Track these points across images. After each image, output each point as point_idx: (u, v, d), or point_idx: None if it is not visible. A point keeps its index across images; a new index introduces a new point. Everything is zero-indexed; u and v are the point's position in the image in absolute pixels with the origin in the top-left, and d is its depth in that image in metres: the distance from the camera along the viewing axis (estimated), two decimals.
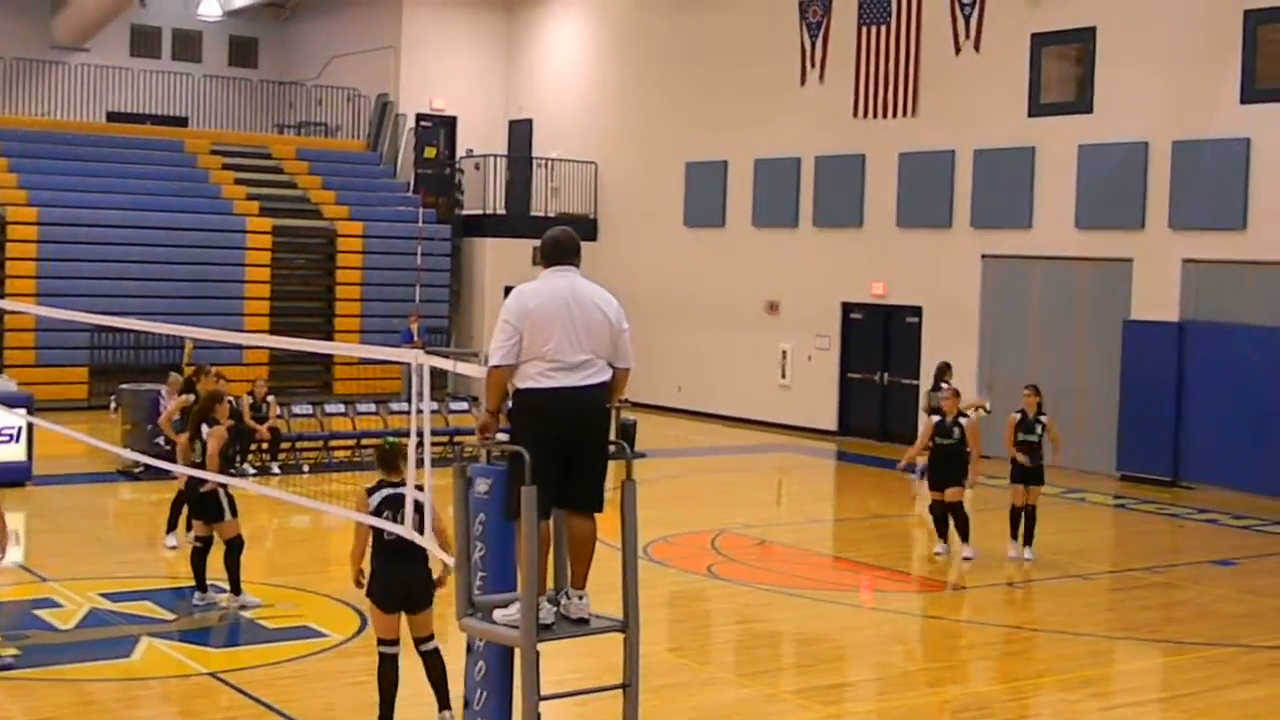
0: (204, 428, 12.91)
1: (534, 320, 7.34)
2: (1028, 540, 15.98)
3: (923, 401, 22.29)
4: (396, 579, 9.25)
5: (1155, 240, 22.25)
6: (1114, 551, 18.03)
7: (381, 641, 9.55)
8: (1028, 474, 15.99)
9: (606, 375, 7.47)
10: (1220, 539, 18.27)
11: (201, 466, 12.70)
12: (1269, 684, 11.66)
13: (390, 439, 9.75)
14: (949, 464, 15.93)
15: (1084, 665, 12.25)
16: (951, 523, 16.02)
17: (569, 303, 7.40)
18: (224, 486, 12.67)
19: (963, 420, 15.99)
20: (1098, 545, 18.13)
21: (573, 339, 7.36)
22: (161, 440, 17.62)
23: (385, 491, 9.30)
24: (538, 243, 7.83)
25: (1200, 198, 21.64)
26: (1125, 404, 22.29)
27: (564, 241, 7.63)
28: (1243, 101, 21.25)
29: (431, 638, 9.46)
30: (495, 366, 7.37)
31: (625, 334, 7.61)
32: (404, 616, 9.46)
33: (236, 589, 12.82)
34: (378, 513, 9.20)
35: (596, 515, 7.52)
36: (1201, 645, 12.82)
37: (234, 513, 12.87)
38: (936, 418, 16.25)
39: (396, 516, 8.95)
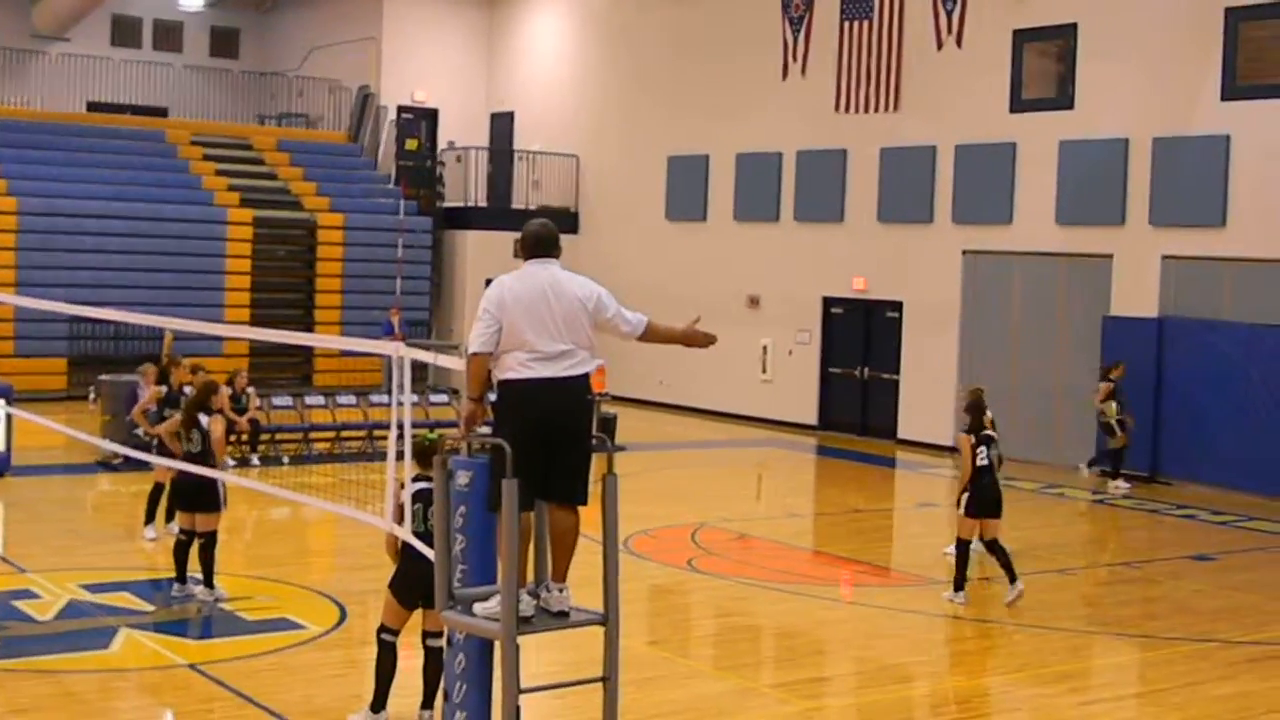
0: (202, 417, 12.83)
1: (513, 310, 7.35)
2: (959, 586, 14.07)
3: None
4: (421, 574, 8.79)
5: (1135, 236, 22.31)
6: (1092, 546, 18.07)
7: (385, 629, 9.51)
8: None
9: (589, 366, 7.46)
10: (1198, 534, 18.34)
11: (199, 457, 12.65)
12: (1246, 679, 11.71)
13: (429, 433, 9.67)
14: None
15: (1062, 660, 12.29)
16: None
17: (547, 294, 7.41)
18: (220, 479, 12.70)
19: None
20: (1076, 540, 18.18)
21: (551, 330, 7.36)
22: (140, 431, 17.51)
23: (420, 485, 9.17)
24: (518, 235, 7.81)
25: (1180, 194, 21.70)
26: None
27: (543, 234, 7.64)
28: (1223, 98, 21.31)
29: (442, 634, 9.36)
30: (475, 353, 7.38)
31: (616, 313, 7.58)
32: (421, 610, 9.40)
33: (210, 582, 12.79)
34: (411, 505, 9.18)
35: (580, 508, 7.52)
36: (1179, 640, 12.87)
37: (225, 504, 12.91)
38: None
39: (428, 511, 8.89)
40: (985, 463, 13.69)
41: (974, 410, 13.96)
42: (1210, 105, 21.44)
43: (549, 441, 7.31)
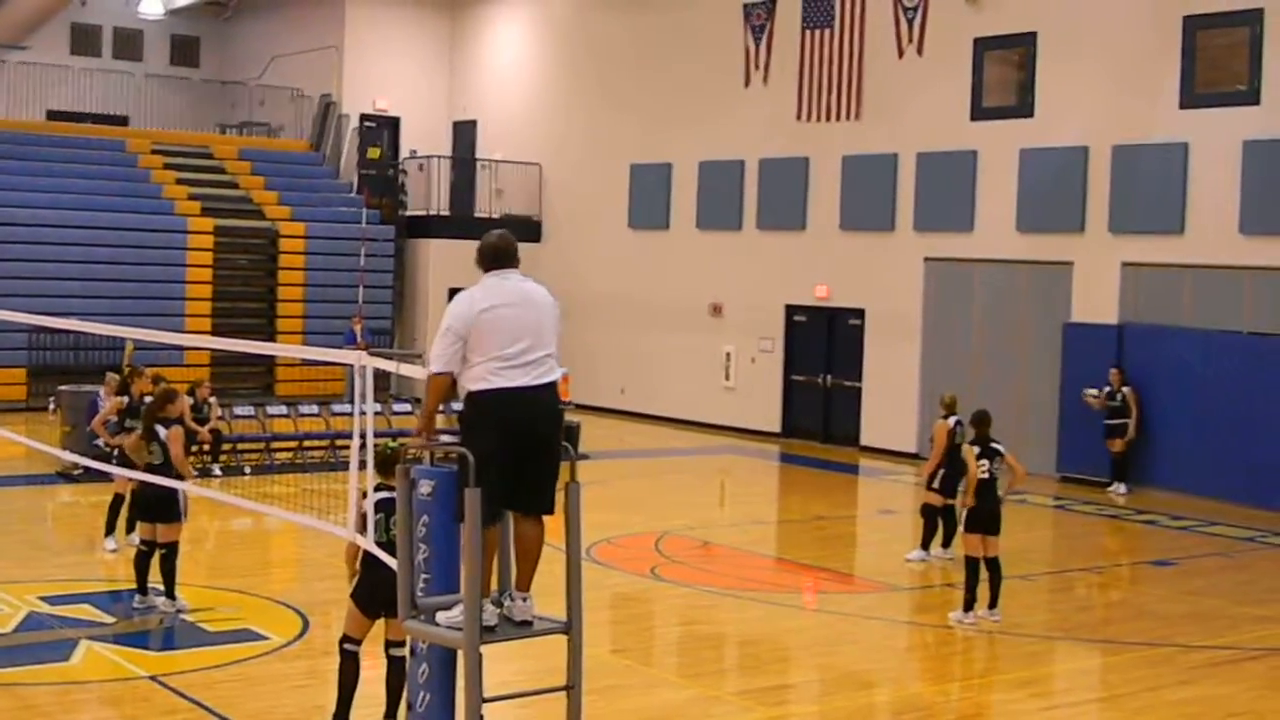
0: (160, 429, 12.74)
1: (485, 322, 7.34)
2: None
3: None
4: (383, 583, 8.75)
5: (1095, 244, 22.44)
6: (1054, 552, 18.15)
7: (347, 639, 9.49)
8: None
9: (557, 375, 7.49)
10: (1159, 539, 18.45)
11: (159, 468, 12.56)
12: (1206, 684, 11.78)
13: (390, 442, 9.64)
14: None
15: (1024, 665, 12.35)
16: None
17: (517, 303, 7.43)
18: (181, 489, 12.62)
19: None
20: (1038, 546, 18.23)
21: (523, 339, 7.37)
22: (100, 442, 17.36)
23: (382, 494, 9.15)
24: (477, 246, 7.79)
25: (1139, 202, 21.85)
26: (1065, 406, 22.45)
27: (503, 246, 7.65)
28: (1182, 106, 21.46)
29: (405, 643, 9.33)
30: (435, 373, 7.38)
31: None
32: (384, 620, 9.39)
33: (171, 593, 12.72)
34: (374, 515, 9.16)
35: (545, 518, 7.53)
36: (1140, 645, 12.94)
37: (186, 515, 12.83)
38: None
39: (390, 520, 8.86)
40: (986, 476, 13.39)
41: (980, 423, 13.63)
42: (1169, 113, 21.59)
43: (520, 451, 7.30)
